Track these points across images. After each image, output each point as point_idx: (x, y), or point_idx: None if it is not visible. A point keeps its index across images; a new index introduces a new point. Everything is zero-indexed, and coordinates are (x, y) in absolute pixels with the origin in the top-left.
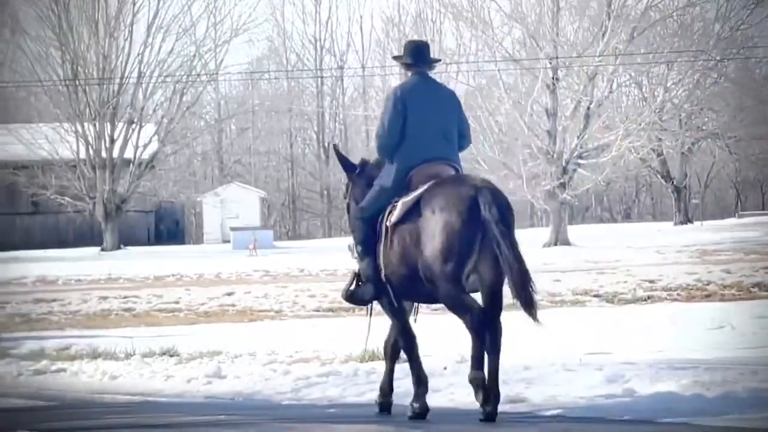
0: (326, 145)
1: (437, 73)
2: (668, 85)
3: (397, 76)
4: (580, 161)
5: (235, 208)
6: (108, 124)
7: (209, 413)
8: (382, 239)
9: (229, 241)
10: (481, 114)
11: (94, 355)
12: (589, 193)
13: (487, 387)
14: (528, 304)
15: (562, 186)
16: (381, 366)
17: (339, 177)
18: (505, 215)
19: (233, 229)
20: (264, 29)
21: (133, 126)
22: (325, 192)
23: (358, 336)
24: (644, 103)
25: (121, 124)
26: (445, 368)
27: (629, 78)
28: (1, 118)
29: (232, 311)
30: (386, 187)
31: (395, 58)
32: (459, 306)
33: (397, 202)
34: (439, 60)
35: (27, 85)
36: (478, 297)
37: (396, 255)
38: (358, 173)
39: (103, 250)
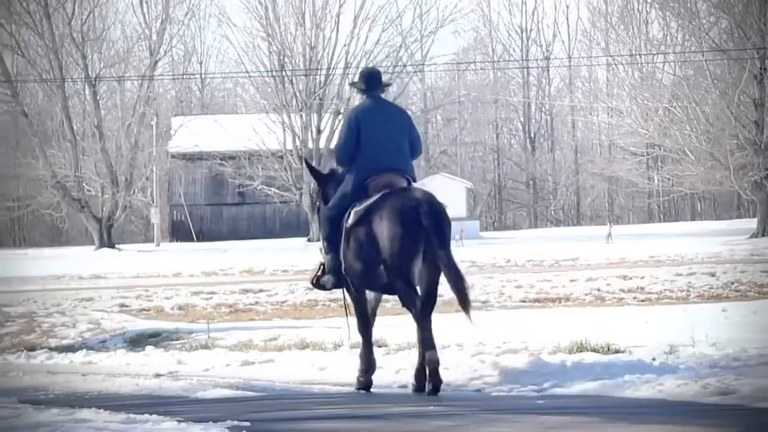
0: (533, 135)
1: (647, 63)
2: None
3: (603, 67)
4: None
5: (441, 198)
6: (314, 114)
7: (417, 404)
8: (342, 238)
9: None
10: (687, 104)
11: (302, 345)
12: None
13: (426, 372)
14: (462, 301)
15: None
16: (590, 357)
17: (545, 168)
18: (441, 224)
19: None
20: (470, 20)
21: (340, 117)
22: (531, 182)
23: (565, 327)
24: None
25: (327, 115)
26: (653, 359)
27: None
28: (208, 109)
29: (440, 302)
30: (347, 193)
31: (351, 84)
32: (407, 300)
33: (354, 207)
34: (390, 84)
35: (234, 76)
36: None
37: (352, 253)
38: (329, 180)
39: (309, 240)
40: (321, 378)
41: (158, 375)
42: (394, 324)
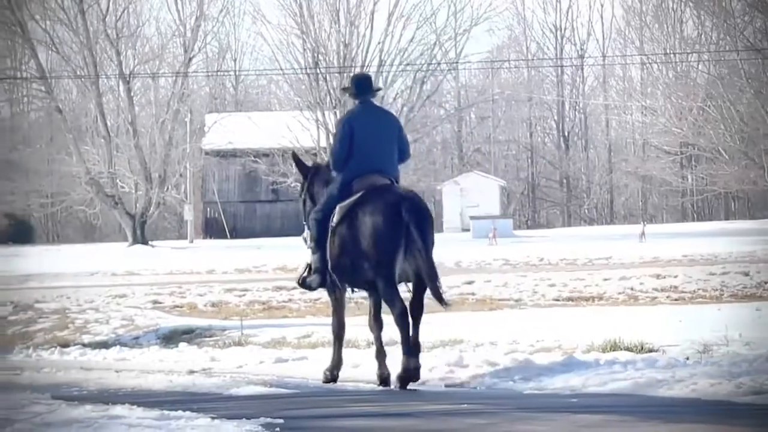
0: (566, 134)
1: (681, 62)
2: None
3: (638, 66)
4: None
5: (475, 196)
6: None
7: (451, 401)
8: (329, 237)
9: (468, 230)
10: (722, 103)
11: None
12: None
13: (411, 343)
14: (435, 292)
15: None
16: (624, 356)
17: (579, 166)
18: (422, 220)
19: (473, 217)
20: (504, 18)
21: None
22: (565, 181)
23: (598, 326)
24: None
25: None
26: (687, 358)
27: None
28: (242, 106)
29: (472, 300)
30: (334, 194)
31: (343, 89)
32: (389, 299)
33: (339, 205)
34: (380, 89)
35: (268, 74)
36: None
37: (337, 249)
38: (314, 175)
39: None
40: (354, 375)
41: (191, 372)
42: (426, 322)
